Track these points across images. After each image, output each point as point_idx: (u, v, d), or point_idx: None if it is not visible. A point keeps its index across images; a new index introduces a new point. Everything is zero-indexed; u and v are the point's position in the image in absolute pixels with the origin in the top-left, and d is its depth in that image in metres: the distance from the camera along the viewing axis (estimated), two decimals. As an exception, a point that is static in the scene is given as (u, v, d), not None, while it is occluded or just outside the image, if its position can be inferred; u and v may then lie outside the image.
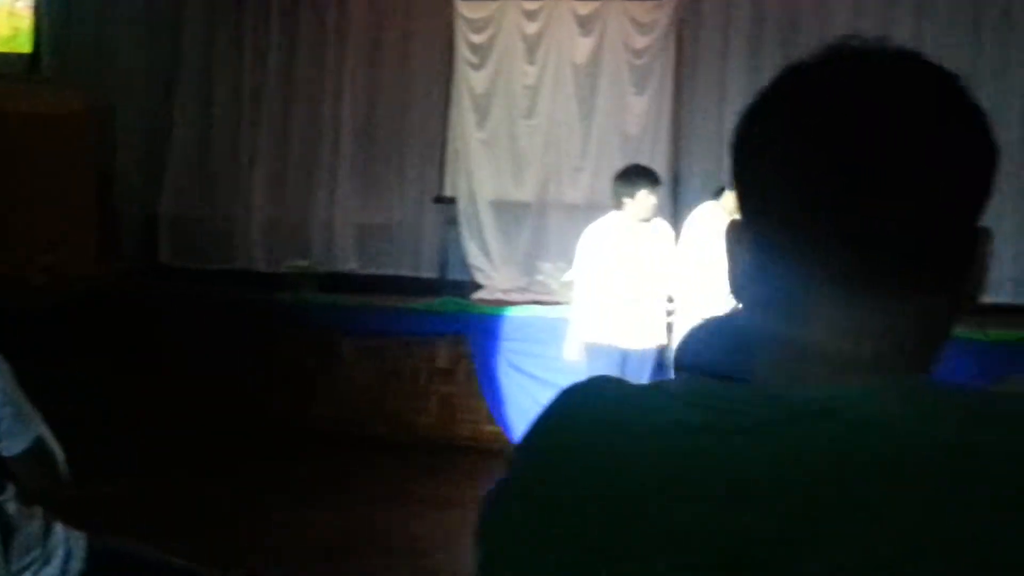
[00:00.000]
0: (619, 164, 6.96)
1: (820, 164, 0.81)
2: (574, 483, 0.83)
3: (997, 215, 8.44)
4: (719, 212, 6.42)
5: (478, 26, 8.87)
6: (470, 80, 8.86)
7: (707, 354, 2.00)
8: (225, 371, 7.85)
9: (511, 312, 7.89)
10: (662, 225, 6.62)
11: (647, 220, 6.41)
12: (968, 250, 0.85)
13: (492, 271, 8.68)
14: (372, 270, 9.07)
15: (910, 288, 0.83)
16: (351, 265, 9.11)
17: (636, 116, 8.70)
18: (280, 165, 9.29)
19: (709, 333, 2.04)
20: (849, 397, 0.77)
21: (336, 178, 9.19)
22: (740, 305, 0.89)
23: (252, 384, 7.87)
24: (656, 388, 0.87)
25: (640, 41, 8.74)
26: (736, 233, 0.88)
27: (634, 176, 6.36)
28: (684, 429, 0.80)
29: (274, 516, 6.10)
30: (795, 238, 0.83)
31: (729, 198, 6.27)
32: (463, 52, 8.89)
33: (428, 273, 8.99)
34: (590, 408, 0.88)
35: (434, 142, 9.11)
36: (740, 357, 0.87)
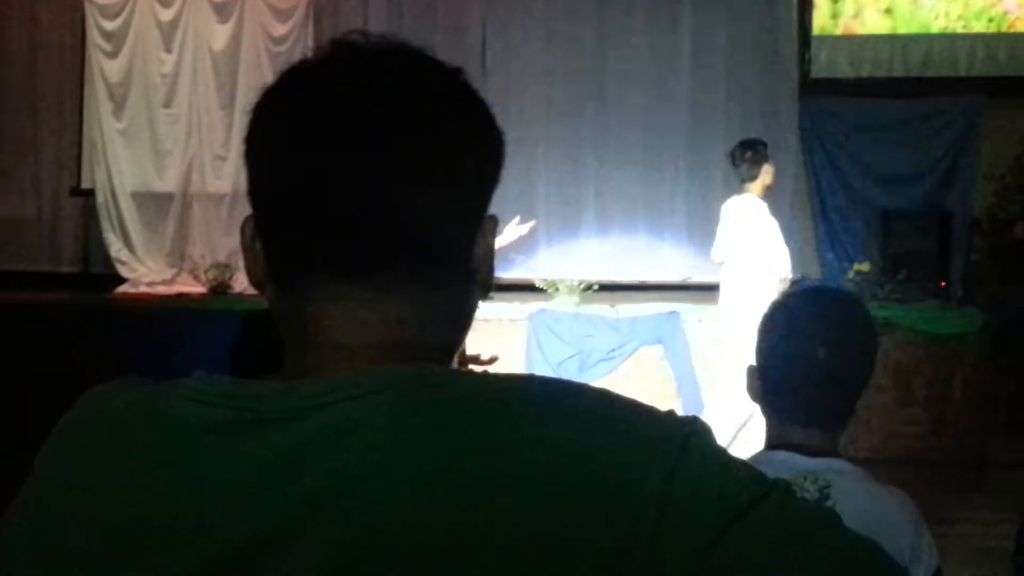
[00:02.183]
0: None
1: (317, 158, 0.81)
2: (78, 491, 0.80)
3: (672, 205, 8.64)
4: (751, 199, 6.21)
5: (110, 12, 8.67)
6: (104, 68, 8.66)
7: (248, 349, 2.02)
8: None
9: (156, 305, 7.79)
10: None
11: None
12: (474, 238, 0.86)
13: (137, 264, 8.56)
14: (7, 266, 8.69)
15: (418, 278, 0.82)
16: (-17, 262, 8.70)
17: (278, 104, 8.71)
18: None
19: (252, 328, 2.08)
20: (350, 389, 0.76)
21: (-38, 172, 8.74)
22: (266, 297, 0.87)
23: None
24: (175, 387, 0.82)
25: (279, 28, 8.81)
26: (252, 227, 0.86)
27: None
28: (194, 428, 0.78)
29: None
30: (300, 232, 0.82)
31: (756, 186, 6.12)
32: (95, 39, 8.67)
33: (69, 268, 8.75)
34: (105, 412, 0.84)
35: (69, 133, 8.83)
36: (274, 350, 0.87)
